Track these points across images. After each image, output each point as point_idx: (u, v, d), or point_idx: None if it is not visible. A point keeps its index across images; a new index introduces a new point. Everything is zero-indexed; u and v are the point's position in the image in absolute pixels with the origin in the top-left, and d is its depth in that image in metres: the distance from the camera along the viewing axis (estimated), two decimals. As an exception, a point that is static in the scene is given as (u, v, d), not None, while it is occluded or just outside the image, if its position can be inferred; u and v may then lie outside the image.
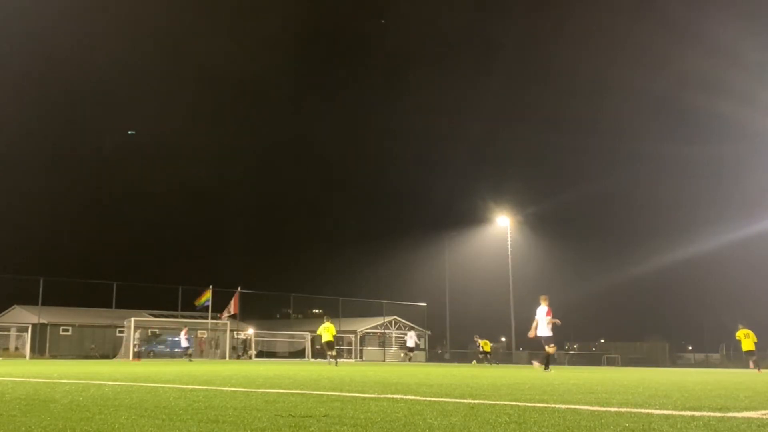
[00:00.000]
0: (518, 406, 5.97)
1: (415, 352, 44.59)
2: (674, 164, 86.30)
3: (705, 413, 5.42)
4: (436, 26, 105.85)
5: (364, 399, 6.61)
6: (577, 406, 5.97)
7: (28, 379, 10.32)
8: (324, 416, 4.92)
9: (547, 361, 18.92)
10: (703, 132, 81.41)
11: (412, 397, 6.81)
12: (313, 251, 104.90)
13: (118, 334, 45.60)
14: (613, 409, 5.67)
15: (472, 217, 63.04)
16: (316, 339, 25.66)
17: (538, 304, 18.92)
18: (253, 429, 4.23)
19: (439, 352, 59.29)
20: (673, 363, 48.87)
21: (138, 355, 37.64)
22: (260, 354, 48.12)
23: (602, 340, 73.56)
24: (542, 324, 18.54)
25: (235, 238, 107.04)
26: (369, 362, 42.92)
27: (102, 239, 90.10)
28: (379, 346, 55.81)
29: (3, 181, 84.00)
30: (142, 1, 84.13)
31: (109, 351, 44.58)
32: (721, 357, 55.99)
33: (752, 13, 77.21)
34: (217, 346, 45.72)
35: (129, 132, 79.37)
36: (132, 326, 40.26)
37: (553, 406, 6.00)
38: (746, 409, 5.95)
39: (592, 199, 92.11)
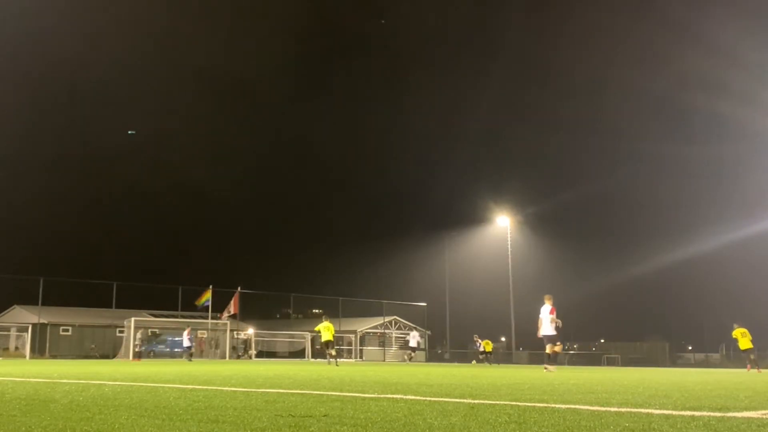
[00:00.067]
0: (518, 406, 5.97)
1: (416, 352, 44.59)
2: (674, 164, 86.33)
3: (705, 413, 5.42)
4: (436, 26, 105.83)
5: (364, 399, 6.61)
6: (577, 406, 5.97)
7: (28, 379, 10.32)
8: (324, 416, 4.92)
9: (548, 360, 18.93)
10: (703, 132, 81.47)
11: (412, 397, 6.81)
12: (313, 251, 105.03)
13: (118, 334, 45.60)
14: (613, 409, 5.67)
15: (472, 217, 63.14)
16: (316, 339, 25.68)
17: (542, 304, 18.96)
18: (253, 429, 4.23)
19: (439, 352, 59.31)
20: (673, 363, 48.87)
21: (138, 355, 37.64)
22: (260, 354, 48.12)
23: (602, 340, 73.59)
24: (546, 323, 18.57)
25: (235, 238, 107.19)
26: (369, 362, 42.92)
27: (102, 239, 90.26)
28: (379, 346, 55.82)
29: (3, 181, 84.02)
30: (141, 1, 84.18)
31: (109, 351, 44.58)
32: (721, 357, 56.00)
33: (752, 13, 77.26)
34: (217, 346, 45.72)
35: (129, 132, 79.41)
36: (132, 326, 40.26)
37: (553, 406, 6.00)
38: (746, 409, 5.95)
39: (592, 199, 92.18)
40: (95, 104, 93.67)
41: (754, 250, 63.25)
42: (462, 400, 6.46)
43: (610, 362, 46.45)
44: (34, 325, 41.78)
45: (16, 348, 43.50)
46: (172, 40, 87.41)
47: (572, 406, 5.96)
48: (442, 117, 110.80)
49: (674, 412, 5.45)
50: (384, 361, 50.10)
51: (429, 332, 59.79)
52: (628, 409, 5.67)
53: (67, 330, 46.50)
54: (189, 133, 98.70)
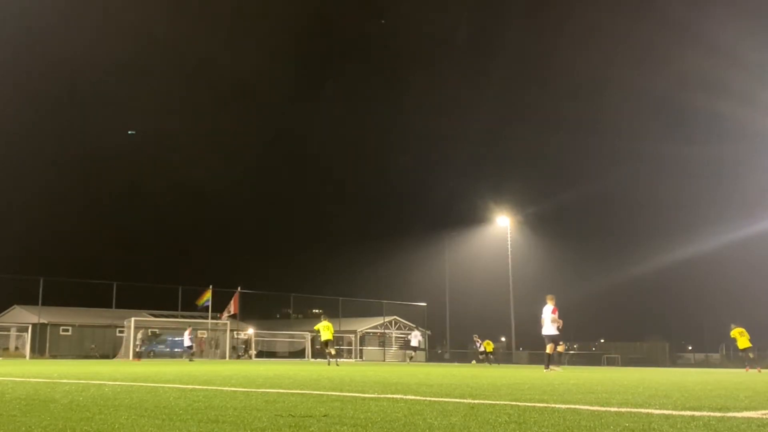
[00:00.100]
0: (518, 406, 5.97)
1: (417, 351, 44.61)
2: (674, 164, 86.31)
3: (705, 413, 5.42)
4: (436, 26, 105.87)
5: (364, 399, 6.61)
6: (577, 406, 5.97)
7: (28, 379, 10.32)
8: (324, 416, 4.92)
9: (548, 360, 18.95)
10: (703, 132, 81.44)
11: (412, 397, 6.81)
12: (313, 251, 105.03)
13: (118, 334, 45.61)
14: (613, 409, 5.67)
15: (472, 217, 63.13)
16: (316, 339, 25.73)
17: (543, 303, 18.99)
18: (253, 429, 4.23)
19: (439, 352, 59.31)
20: (673, 363, 48.88)
21: (139, 355, 37.64)
22: (260, 354, 48.13)
23: (602, 340, 73.52)
24: (548, 323, 18.60)
25: (235, 238, 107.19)
26: (369, 362, 42.92)
27: (102, 239, 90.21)
28: (379, 346, 55.82)
29: (3, 181, 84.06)
30: (141, 1, 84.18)
31: (109, 351, 44.59)
32: (721, 357, 56.02)
33: (752, 13, 77.25)
34: (217, 346, 45.72)
35: (129, 132, 79.41)
36: (132, 326, 40.27)
37: (553, 406, 6.00)
38: (746, 409, 5.95)
39: (592, 199, 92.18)
40: (95, 104, 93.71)
41: (754, 250, 63.31)
42: (462, 400, 6.46)
43: (610, 362, 46.46)
44: (34, 325, 41.79)
45: (16, 348, 43.51)
46: (172, 40, 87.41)
47: (572, 406, 5.96)
48: (442, 117, 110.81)
49: (674, 412, 5.45)
50: (384, 361, 50.10)
51: (429, 332, 59.79)
52: (628, 409, 5.67)
53: (67, 330, 46.50)
54: (189, 133, 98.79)
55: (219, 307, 46.17)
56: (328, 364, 24.05)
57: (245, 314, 50.21)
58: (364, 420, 4.70)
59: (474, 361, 41.53)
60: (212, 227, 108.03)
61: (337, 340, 52.20)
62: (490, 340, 41.16)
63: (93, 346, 46.10)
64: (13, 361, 31.13)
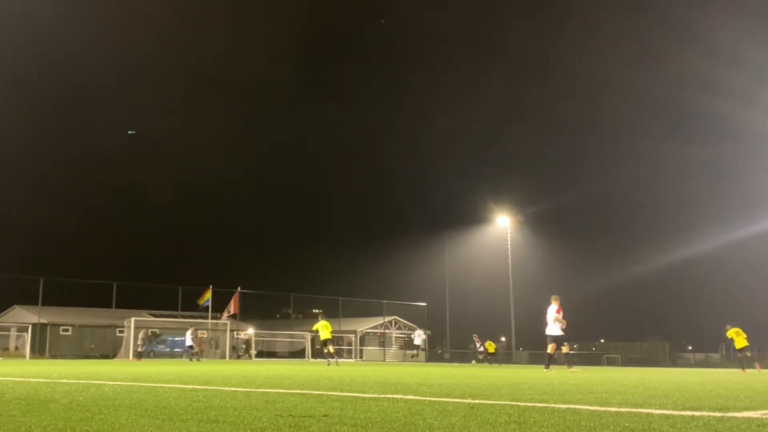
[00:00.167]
0: (518, 406, 5.97)
1: (419, 350, 44.63)
2: (674, 164, 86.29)
3: (705, 413, 5.42)
4: (436, 26, 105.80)
5: (364, 399, 6.61)
6: (577, 406, 5.97)
7: (28, 379, 10.32)
8: (324, 416, 4.92)
9: (549, 360, 18.96)
10: (703, 132, 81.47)
11: (412, 397, 6.81)
12: (313, 251, 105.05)
13: (118, 334, 45.62)
14: (613, 409, 5.67)
15: (472, 217, 63.06)
16: (316, 339, 25.80)
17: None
18: (253, 429, 4.23)
19: (439, 352, 59.28)
20: (673, 363, 48.85)
21: (139, 355, 37.66)
22: (260, 354, 48.14)
23: (602, 340, 73.49)
24: (551, 323, 18.62)
25: (235, 238, 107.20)
26: (369, 362, 42.93)
27: (102, 239, 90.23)
28: (379, 346, 55.83)
29: (3, 181, 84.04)
30: (142, 1, 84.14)
31: (109, 351, 44.59)
32: (721, 357, 55.97)
33: (752, 13, 77.22)
34: (217, 346, 45.73)
35: (129, 132, 79.41)
36: (132, 326, 40.27)
37: (553, 406, 6.00)
38: (746, 409, 5.95)
39: (592, 199, 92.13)
40: (95, 104, 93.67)
41: (754, 250, 63.29)
42: (462, 400, 6.46)
43: (610, 362, 46.43)
44: (34, 325, 41.79)
45: (16, 348, 43.52)
46: (172, 40, 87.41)
47: (572, 406, 5.96)
48: (442, 117, 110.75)
49: (674, 412, 5.45)
50: (384, 361, 50.10)
51: (429, 332, 59.79)
52: (628, 409, 5.67)
53: (67, 330, 46.51)
54: (189, 133, 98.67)
55: (219, 307, 46.19)
56: (328, 364, 24.06)
57: (245, 314, 50.25)
58: (364, 420, 4.70)
59: (474, 362, 41.51)
60: (212, 227, 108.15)
61: (337, 340, 52.30)
62: (491, 340, 41.13)
63: (93, 346, 46.11)
64: (13, 361, 31.13)
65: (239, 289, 46.66)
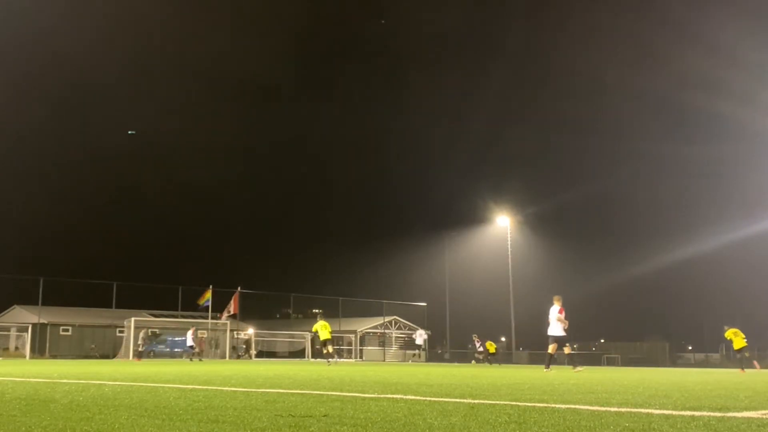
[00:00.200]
0: (518, 406, 5.97)
1: (421, 350, 44.64)
2: (674, 164, 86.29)
3: (705, 413, 5.42)
4: (436, 26, 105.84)
5: (364, 399, 6.61)
6: (577, 406, 5.97)
7: (28, 379, 10.32)
8: (324, 416, 4.92)
9: (549, 360, 18.97)
10: (703, 132, 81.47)
11: (412, 397, 6.81)
12: (313, 251, 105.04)
13: (118, 334, 45.61)
14: (613, 409, 5.67)
15: (472, 217, 63.04)
16: (316, 339, 25.87)
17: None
18: (253, 429, 4.23)
19: (439, 352, 59.28)
20: (673, 363, 48.84)
21: (140, 355, 37.67)
22: (260, 354, 48.13)
23: (602, 340, 73.50)
24: (554, 323, 18.62)
25: (235, 238, 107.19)
26: (369, 362, 42.93)
27: (102, 239, 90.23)
28: (379, 346, 55.83)
29: (3, 181, 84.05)
30: (142, 1, 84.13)
31: (109, 351, 44.59)
32: (721, 357, 55.96)
33: (752, 13, 77.21)
34: (217, 346, 45.73)
35: (129, 132, 79.43)
36: (132, 326, 40.27)
37: (553, 406, 6.00)
38: (746, 409, 5.95)
39: (592, 199, 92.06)
40: (95, 104, 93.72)
41: (754, 250, 63.29)
42: (462, 400, 6.46)
43: (610, 362, 46.42)
44: (34, 325, 41.79)
45: (16, 348, 43.51)
46: (173, 39, 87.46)
47: (572, 406, 5.96)
48: (442, 117, 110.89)
49: (674, 412, 5.45)
50: (384, 361, 50.10)
51: (429, 332, 59.80)
52: (628, 409, 5.67)
53: (67, 330, 46.50)
54: (189, 133, 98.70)
55: (219, 307, 46.19)
56: (328, 364, 24.08)
57: (245, 314, 50.23)
58: (364, 420, 4.70)
59: (473, 361, 41.49)
60: (212, 227, 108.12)
61: (337, 340, 52.33)
62: (491, 340, 41.11)
63: (93, 346, 46.10)
64: (13, 361, 31.13)
65: (239, 289, 46.68)
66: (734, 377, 16.02)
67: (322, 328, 24.82)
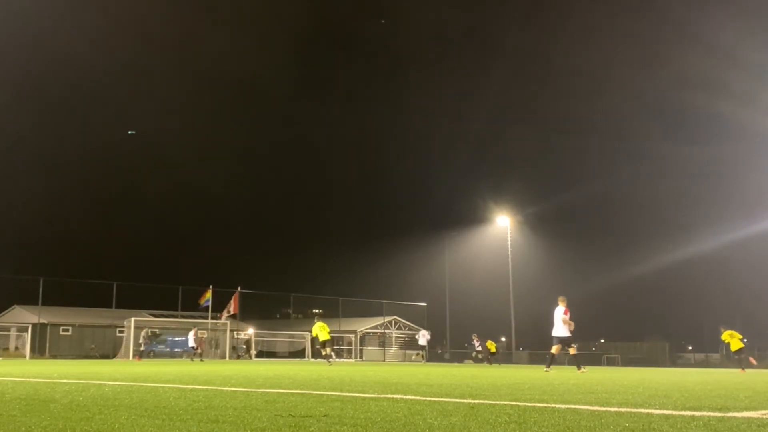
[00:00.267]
0: (518, 406, 5.97)
1: (424, 350, 44.59)
2: (674, 164, 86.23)
3: (705, 413, 5.42)
4: (436, 26, 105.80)
5: (364, 399, 6.61)
6: (577, 406, 5.97)
7: (28, 379, 10.32)
8: (324, 416, 4.92)
9: (551, 360, 18.98)
10: (703, 132, 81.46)
11: (412, 397, 6.81)
12: (313, 251, 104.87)
13: (118, 334, 45.62)
14: (613, 409, 5.67)
15: (472, 217, 63.05)
16: (316, 339, 25.91)
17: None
18: (253, 429, 4.23)
19: (439, 352, 59.30)
20: (673, 363, 48.86)
21: (141, 354, 37.69)
22: (260, 354, 48.14)
23: (602, 340, 73.50)
24: (559, 324, 18.61)
25: (235, 238, 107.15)
26: (369, 362, 42.93)
27: (102, 239, 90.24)
28: (379, 346, 55.84)
29: (3, 181, 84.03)
30: (142, 1, 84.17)
31: (109, 351, 44.59)
32: (721, 357, 55.96)
33: (752, 13, 77.18)
34: (217, 346, 45.73)
35: (129, 132, 79.44)
36: (132, 326, 40.27)
37: (553, 406, 6.00)
38: (746, 409, 5.95)
39: (592, 199, 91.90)
40: (95, 104, 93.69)
41: (754, 250, 63.27)
42: (462, 400, 6.46)
43: (610, 362, 46.44)
44: (34, 325, 41.79)
45: (16, 348, 43.51)
46: (172, 40, 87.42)
47: (572, 406, 5.96)
48: (442, 117, 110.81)
49: (674, 412, 5.45)
50: (384, 361, 50.10)
51: (430, 332, 59.83)
52: (628, 409, 5.67)
53: (67, 330, 46.50)
54: (189, 133, 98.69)
55: (219, 307, 46.20)
56: (329, 365, 24.10)
57: (245, 314, 50.25)
58: (364, 420, 4.70)
59: (471, 360, 41.47)
60: (212, 227, 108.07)
61: (337, 340, 52.36)
62: (491, 340, 41.10)
63: (93, 346, 46.10)
64: (13, 361, 31.14)
65: (239, 289, 46.68)
66: (734, 377, 16.02)
67: (321, 330, 24.85)
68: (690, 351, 66.82)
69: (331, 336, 25.74)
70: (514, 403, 6.29)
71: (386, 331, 57.60)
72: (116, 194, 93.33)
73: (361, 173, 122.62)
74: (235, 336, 47.84)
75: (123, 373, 13.55)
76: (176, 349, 43.77)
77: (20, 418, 4.74)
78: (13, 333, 44.83)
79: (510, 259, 52.98)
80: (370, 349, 56.05)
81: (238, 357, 45.38)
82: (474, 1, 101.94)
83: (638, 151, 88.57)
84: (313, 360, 43.29)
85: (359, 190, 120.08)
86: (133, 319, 41.46)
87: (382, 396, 6.99)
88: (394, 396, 6.98)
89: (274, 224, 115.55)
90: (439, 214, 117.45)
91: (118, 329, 45.55)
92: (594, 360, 48.73)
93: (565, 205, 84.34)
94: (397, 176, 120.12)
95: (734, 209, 70.28)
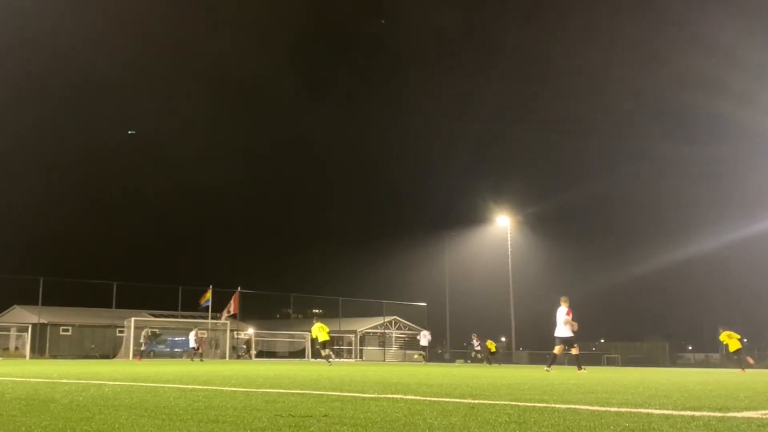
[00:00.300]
0: (518, 406, 5.97)
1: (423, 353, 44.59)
2: (674, 164, 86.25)
3: (705, 413, 5.42)
4: (436, 26, 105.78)
5: (364, 399, 6.61)
6: (577, 406, 5.97)
7: (28, 379, 10.32)
8: (324, 416, 4.92)
9: (552, 360, 19.01)
10: (703, 132, 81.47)
11: (412, 397, 6.81)
12: (313, 251, 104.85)
13: (118, 334, 45.62)
14: (613, 409, 5.67)
15: (472, 217, 63.07)
16: (315, 339, 25.95)
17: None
18: (253, 429, 4.23)
19: (439, 352, 59.31)
20: (673, 363, 48.87)
21: (141, 355, 37.69)
22: (260, 354, 48.14)
23: (602, 340, 73.53)
24: (561, 324, 18.61)
25: (235, 238, 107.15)
26: (369, 362, 42.93)
27: (102, 239, 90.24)
28: (379, 346, 55.84)
29: (3, 181, 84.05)
30: (142, 1, 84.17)
31: (109, 351, 44.60)
32: (721, 357, 55.95)
33: (752, 13, 77.18)
34: (217, 346, 45.73)
35: (129, 132, 79.44)
36: (132, 326, 40.26)
37: (553, 406, 6.00)
38: (746, 409, 5.95)
39: (593, 199, 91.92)
40: (95, 104, 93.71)
41: (754, 250, 63.27)
42: (462, 400, 6.46)
43: (610, 362, 46.45)
44: (34, 325, 41.79)
45: (16, 348, 43.51)
46: (173, 40, 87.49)
47: (572, 406, 5.96)
48: (442, 117, 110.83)
49: (674, 412, 5.45)
50: (384, 361, 50.10)
51: (430, 332, 59.81)
52: (628, 409, 5.67)
53: (67, 330, 46.50)
54: (189, 133, 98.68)
55: (219, 307, 46.21)
56: (329, 365, 24.13)
57: (245, 314, 50.25)
58: (364, 420, 4.70)
59: (469, 360, 41.45)
60: (212, 227, 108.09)
61: (337, 340, 52.37)
62: (491, 340, 41.09)
63: (93, 346, 46.10)
64: (13, 361, 31.13)
65: (239, 289, 46.68)
66: (734, 377, 16.02)
67: (320, 330, 24.87)
68: (690, 351, 66.84)
69: (330, 336, 25.77)
70: (514, 403, 6.29)
71: (386, 331, 57.60)
72: (116, 194, 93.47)
73: (361, 173, 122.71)
74: (235, 336, 47.83)
75: (123, 373, 13.55)
76: (176, 349, 43.76)
77: (20, 418, 4.74)
78: (13, 333, 44.83)
79: (510, 259, 53.01)
80: (370, 349, 56.05)
81: (238, 357, 45.37)
82: (474, 1, 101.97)
83: (638, 151, 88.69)
84: (313, 360, 43.28)
85: (359, 190, 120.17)
86: (133, 319, 41.47)
87: (382, 396, 6.99)
88: (394, 396, 6.98)
89: (274, 224, 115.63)
90: (439, 214, 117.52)
91: (118, 329, 45.55)
92: (594, 360, 48.73)
93: (565, 205, 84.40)
94: (397, 176, 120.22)
95: (734, 209, 70.31)
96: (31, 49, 78.46)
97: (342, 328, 53.83)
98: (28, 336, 40.46)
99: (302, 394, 7.23)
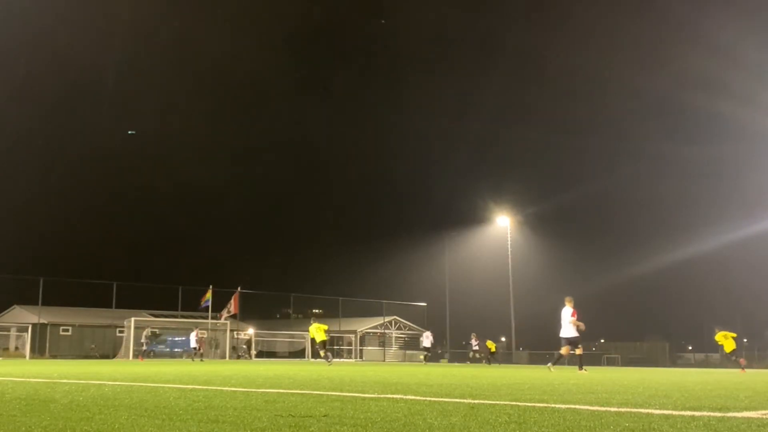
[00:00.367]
0: (518, 406, 5.97)
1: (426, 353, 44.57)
2: (674, 164, 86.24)
3: (705, 413, 5.42)
4: (436, 26, 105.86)
5: (364, 399, 6.61)
6: (577, 406, 5.97)
7: (28, 379, 10.32)
8: (324, 416, 4.92)
9: (557, 360, 19.02)
10: (703, 132, 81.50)
11: (412, 397, 6.81)
12: (313, 251, 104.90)
13: (118, 334, 45.61)
14: (613, 409, 5.67)
15: (472, 217, 63.08)
16: (314, 340, 25.99)
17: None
18: (253, 429, 4.23)
19: (439, 352, 59.31)
20: (673, 363, 48.85)
21: (143, 355, 37.68)
22: (260, 354, 48.13)
23: (602, 340, 73.53)
24: (566, 325, 18.60)
25: (235, 238, 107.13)
26: (369, 362, 42.93)
27: (102, 239, 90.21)
28: (379, 346, 55.84)
29: (3, 181, 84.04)
30: (142, 1, 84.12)
31: (109, 351, 44.59)
32: (721, 357, 55.96)
33: (752, 13, 77.18)
34: (217, 346, 45.72)
35: (129, 132, 79.43)
36: (132, 326, 40.25)
37: (553, 406, 6.00)
38: (746, 409, 5.95)
39: (593, 199, 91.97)
40: (95, 104, 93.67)
41: (754, 250, 63.25)
42: (462, 400, 6.46)
43: (610, 362, 46.46)
44: (34, 325, 41.78)
45: (16, 348, 43.51)
46: (173, 39, 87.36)
47: (572, 406, 5.96)
48: (442, 117, 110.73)
49: (674, 412, 5.45)
50: (384, 361, 50.10)
51: (431, 333, 59.81)
52: (628, 409, 5.67)
53: (67, 330, 46.50)
54: (189, 133, 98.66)
55: (219, 307, 46.21)
56: (329, 365, 24.15)
57: (245, 314, 50.23)
58: (364, 420, 4.70)
59: (468, 361, 41.44)
60: (212, 227, 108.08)
61: (337, 340, 52.36)
62: (491, 339, 41.09)
63: (93, 346, 46.10)
64: (13, 361, 31.13)
65: (239, 289, 46.67)
66: (734, 377, 16.02)
67: (317, 330, 24.92)
68: (690, 351, 66.82)
69: (328, 336, 25.80)
70: (514, 403, 6.29)
71: (386, 331, 57.60)
72: (116, 194, 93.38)
73: (361, 173, 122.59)
74: (235, 336, 47.82)
75: (123, 373, 13.55)
76: (176, 349, 43.75)
77: (20, 418, 4.74)
78: (13, 333, 44.83)
79: (510, 259, 53.01)
80: (370, 349, 56.05)
81: (238, 357, 45.37)
82: (474, 1, 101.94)
83: (638, 151, 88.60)
84: (313, 360, 43.28)
85: (359, 190, 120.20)
86: (133, 319, 41.46)
87: (382, 396, 6.99)
88: (394, 396, 6.98)
89: (274, 224, 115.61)
90: (439, 214, 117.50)
91: (118, 329, 45.54)
92: (594, 360, 48.72)
93: (565, 205, 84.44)
94: (397, 176, 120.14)
95: (734, 209, 70.29)
96: (31, 49, 78.44)
97: (342, 328, 53.82)
98: (28, 336, 40.46)
99: (302, 394, 7.23)
